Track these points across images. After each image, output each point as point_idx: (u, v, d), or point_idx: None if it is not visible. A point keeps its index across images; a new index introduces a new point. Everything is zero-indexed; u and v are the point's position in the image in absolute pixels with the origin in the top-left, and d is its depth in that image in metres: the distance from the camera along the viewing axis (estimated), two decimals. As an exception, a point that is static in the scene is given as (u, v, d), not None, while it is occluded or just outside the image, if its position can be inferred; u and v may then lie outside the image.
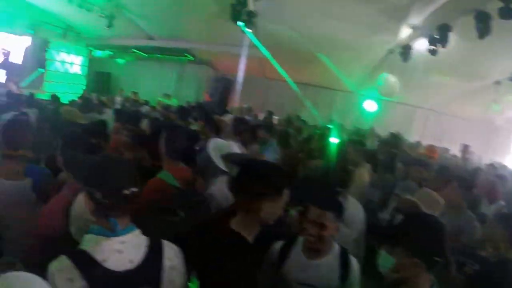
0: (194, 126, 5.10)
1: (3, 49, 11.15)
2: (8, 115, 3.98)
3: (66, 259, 1.19)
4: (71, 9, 9.55)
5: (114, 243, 1.24)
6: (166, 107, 8.20)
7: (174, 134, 2.51)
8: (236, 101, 10.56)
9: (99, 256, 1.20)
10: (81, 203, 1.57)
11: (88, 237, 1.27)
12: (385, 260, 1.52)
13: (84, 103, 6.29)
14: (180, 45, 11.85)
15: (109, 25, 10.35)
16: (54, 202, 1.86)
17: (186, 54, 12.98)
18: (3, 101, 5.75)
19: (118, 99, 10.18)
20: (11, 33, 11.17)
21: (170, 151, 2.42)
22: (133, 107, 8.12)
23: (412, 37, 7.68)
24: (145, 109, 8.22)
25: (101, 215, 1.26)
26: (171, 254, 1.35)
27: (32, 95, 6.74)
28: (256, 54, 9.17)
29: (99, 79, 14.41)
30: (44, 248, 1.62)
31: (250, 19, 7.83)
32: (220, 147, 2.57)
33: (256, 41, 8.94)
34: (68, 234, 1.59)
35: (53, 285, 1.09)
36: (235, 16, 7.74)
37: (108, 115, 5.43)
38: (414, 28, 7.35)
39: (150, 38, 11.82)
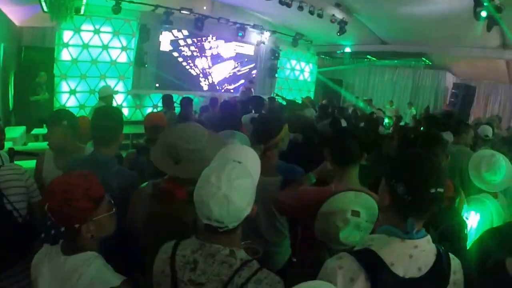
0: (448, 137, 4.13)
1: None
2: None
3: (349, 257, 1.15)
4: (302, 16, 9.46)
5: (407, 246, 1.15)
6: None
7: None
8: (479, 110, 8.93)
9: (387, 259, 1.12)
10: (335, 201, 1.66)
11: (376, 236, 1.22)
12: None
13: (321, 111, 6.15)
14: (416, 50, 10.92)
15: (341, 32, 9.98)
16: (317, 192, 1.85)
17: (423, 59, 11.91)
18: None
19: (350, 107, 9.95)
20: (243, 42, 12.03)
21: None
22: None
23: None
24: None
25: (398, 213, 1.18)
26: (456, 267, 1.23)
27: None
28: (504, 56, 7.26)
29: (329, 86, 14.48)
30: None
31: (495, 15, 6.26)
32: None
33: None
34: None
35: (333, 283, 1.07)
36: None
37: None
38: None
39: (383, 43, 11.35)
